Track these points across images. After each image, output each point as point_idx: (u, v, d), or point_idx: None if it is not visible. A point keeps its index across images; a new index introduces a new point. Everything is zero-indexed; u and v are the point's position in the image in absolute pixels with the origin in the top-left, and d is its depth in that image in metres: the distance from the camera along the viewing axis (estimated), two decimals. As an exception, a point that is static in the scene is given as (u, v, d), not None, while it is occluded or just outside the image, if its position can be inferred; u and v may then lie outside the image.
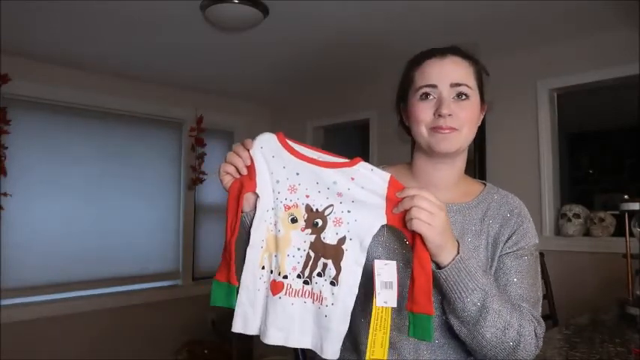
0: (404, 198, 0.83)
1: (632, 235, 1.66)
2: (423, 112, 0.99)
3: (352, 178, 0.87)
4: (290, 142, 0.90)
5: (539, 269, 1.02)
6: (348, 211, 0.86)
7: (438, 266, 0.85)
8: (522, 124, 2.78)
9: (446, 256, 0.84)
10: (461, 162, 1.05)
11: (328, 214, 0.87)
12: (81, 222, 3.15)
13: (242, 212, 0.90)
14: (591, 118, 4.75)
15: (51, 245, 3.01)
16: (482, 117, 1.06)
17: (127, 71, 3.22)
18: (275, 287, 0.86)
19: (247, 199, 0.89)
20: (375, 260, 0.85)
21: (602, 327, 1.44)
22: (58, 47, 2.75)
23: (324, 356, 0.84)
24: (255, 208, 0.89)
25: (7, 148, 2.78)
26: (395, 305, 0.82)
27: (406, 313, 0.84)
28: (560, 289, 2.32)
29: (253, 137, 0.91)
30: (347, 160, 0.88)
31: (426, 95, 0.98)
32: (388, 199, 0.85)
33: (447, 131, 0.97)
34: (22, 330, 2.82)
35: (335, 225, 0.86)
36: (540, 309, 0.98)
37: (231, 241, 0.87)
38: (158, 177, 3.57)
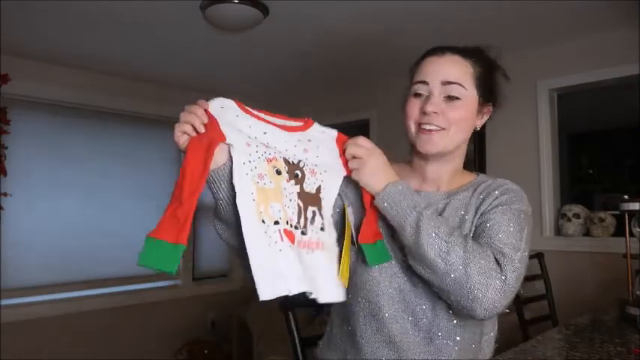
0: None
1: (632, 235, 1.66)
2: (411, 108, 1.01)
3: (309, 140, 0.94)
4: (247, 107, 0.89)
5: (527, 230, 0.97)
6: (316, 165, 0.94)
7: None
8: (522, 124, 2.78)
9: (380, 190, 0.93)
10: (457, 158, 1.06)
11: (303, 167, 0.92)
12: (81, 222, 3.15)
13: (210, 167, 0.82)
14: (591, 118, 4.75)
15: (51, 245, 3.01)
16: (484, 119, 1.06)
17: (127, 71, 3.22)
18: (290, 236, 0.86)
19: (221, 149, 0.83)
20: (346, 206, 0.98)
21: (602, 327, 1.44)
22: (58, 47, 2.75)
23: (320, 298, 0.87)
24: (230, 160, 0.84)
25: (7, 148, 2.78)
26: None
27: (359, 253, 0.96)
28: (560, 289, 2.32)
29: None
30: (300, 124, 0.95)
31: (418, 94, 0.99)
32: (340, 153, 0.97)
33: (433, 129, 0.98)
34: (22, 330, 2.82)
35: (311, 175, 0.92)
36: (519, 258, 0.90)
37: (192, 197, 0.79)
38: (158, 177, 3.57)
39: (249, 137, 0.86)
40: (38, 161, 2.99)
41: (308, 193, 0.90)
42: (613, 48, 2.47)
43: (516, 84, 2.81)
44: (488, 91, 1.03)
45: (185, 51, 2.83)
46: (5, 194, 2.75)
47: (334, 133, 0.98)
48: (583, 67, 2.58)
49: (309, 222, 0.90)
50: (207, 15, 2.22)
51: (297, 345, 1.30)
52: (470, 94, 0.99)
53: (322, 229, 0.92)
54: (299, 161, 0.91)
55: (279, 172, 0.87)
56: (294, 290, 0.82)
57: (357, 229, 0.96)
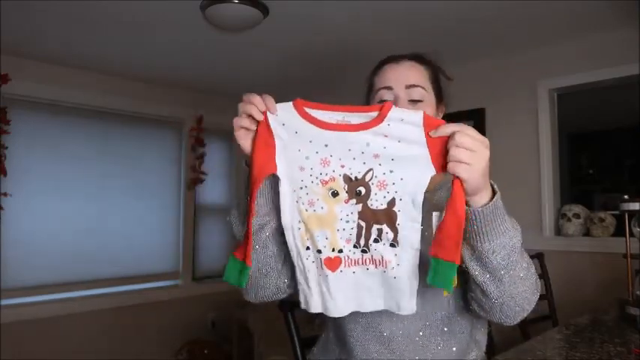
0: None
1: (632, 235, 1.66)
2: None
3: (385, 136, 0.81)
4: (309, 110, 0.83)
5: None
6: (391, 171, 0.81)
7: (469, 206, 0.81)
8: (522, 124, 2.78)
9: (481, 198, 0.80)
10: None
11: (370, 180, 0.81)
12: (81, 222, 3.15)
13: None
14: (591, 118, 4.75)
15: (51, 245, 3.01)
16: (440, 117, 1.09)
17: (127, 71, 3.22)
18: (332, 264, 0.84)
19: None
20: (433, 212, 0.81)
21: (602, 327, 1.44)
22: (58, 47, 2.75)
23: (402, 312, 0.85)
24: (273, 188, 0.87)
25: (7, 148, 2.78)
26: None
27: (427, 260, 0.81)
28: (560, 289, 2.33)
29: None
30: (375, 116, 0.81)
31: (384, 97, 1.02)
32: (429, 145, 0.79)
33: None
34: (22, 330, 2.82)
35: (380, 189, 0.81)
36: None
37: (249, 219, 0.84)
38: (158, 177, 3.57)
39: (307, 158, 0.83)
40: (38, 161, 2.99)
41: (374, 211, 0.82)
42: (613, 48, 2.47)
43: (516, 84, 2.84)
44: (440, 92, 1.08)
45: (185, 51, 2.83)
46: (5, 194, 2.75)
47: (418, 117, 0.80)
48: (583, 67, 2.58)
49: (371, 240, 0.83)
50: (207, 15, 2.22)
51: (297, 345, 1.30)
52: (429, 95, 1.03)
53: (394, 245, 0.82)
54: (366, 173, 0.81)
55: (335, 194, 0.82)
56: (339, 308, 0.86)
57: (428, 239, 0.84)
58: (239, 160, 3.98)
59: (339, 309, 0.86)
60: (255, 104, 0.83)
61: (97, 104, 3.22)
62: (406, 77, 1.01)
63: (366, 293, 0.86)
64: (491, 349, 1.46)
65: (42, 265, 2.96)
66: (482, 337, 1.07)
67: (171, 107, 3.61)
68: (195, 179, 3.66)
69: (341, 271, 0.85)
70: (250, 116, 0.83)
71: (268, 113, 0.83)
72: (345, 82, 3.49)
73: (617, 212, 2.12)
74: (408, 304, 0.84)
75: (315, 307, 0.87)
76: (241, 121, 0.84)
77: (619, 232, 2.39)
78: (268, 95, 0.84)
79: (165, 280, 3.58)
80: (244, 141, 0.85)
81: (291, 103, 0.84)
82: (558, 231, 2.66)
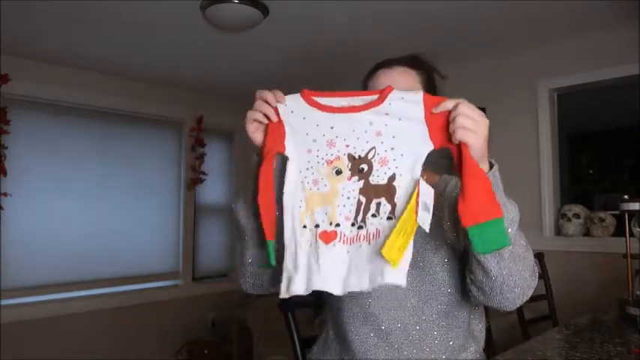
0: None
1: (632, 235, 1.66)
2: None
3: (387, 114, 0.86)
4: (317, 99, 0.89)
5: None
6: (392, 148, 0.85)
7: None
8: (522, 123, 2.78)
9: (484, 166, 0.82)
10: None
11: (372, 157, 0.86)
12: (81, 222, 3.15)
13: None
14: (591, 118, 4.75)
15: (51, 245, 3.01)
16: None
17: (127, 71, 3.22)
18: (327, 237, 0.85)
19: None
20: (420, 180, 0.82)
21: (602, 327, 1.44)
22: (58, 47, 2.75)
23: (386, 280, 0.79)
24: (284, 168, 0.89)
25: (7, 148, 2.78)
26: (427, 229, 0.79)
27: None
28: (560, 289, 2.32)
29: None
30: (376, 97, 0.87)
31: None
32: (428, 121, 0.84)
33: None
34: (22, 330, 2.82)
35: (382, 165, 0.85)
36: None
37: (259, 199, 0.87)
38: (158, 177, 3.57)
39: (314, 140, 0.88)
40: (38, 161, 2.99)
41: (375, 186, 0.85)
42: (613, 48, 2.47)
43: (516, 84, 2.84)
44: (434, 95, 1.08)
45: (185, 51, 2.83)
46: (5, 194, 2.75)
47: (419, 96, 0.85)
48: (583, 67, 2.58)
49: (369, 215, 0.85)
50: (207, 15, 2.22)
51: (297, 345, 1.30)
52: None
53: (390, 218, 0.84)
54: (369, 151, 0.86)
55: (339, 172, 0.87)
56: (327, 285, 0.83)
57: (453, 210, 0.85)
58: (239, 160, 3.98)
59: (323, 283, 0.83)
60: (269, 101, 0.89)
61: (97, 104, 3.22)
62: (398, 84, 1.01)
63: (353, 271, 0.84)
64: (492, 349, 1.46)
65: (42, 265, 2.97)
66: (479, 333, 1.08)
67: (171, 107, 3.61)
68: (195, 179, 3.66)
69: (334, 245, 0.85)
70: (264, 114, 0.89)
71: (278, 104, 0.90)
72: (345, 82, 3.48)
73: (617, 212, 2.12)
74: (393, 272, 0.79)
75: (297, 285, 0.84)
76: (255, 115, 0.89)
77: (619, 232, 2.40)
78: (278, 90, 0.90)
79: (165, 280, 3.58)
80: (256, 134, 0.90)
81: (298, 94, 0.90)
82: (558, 231, 2.66)
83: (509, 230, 0.84)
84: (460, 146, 0.80)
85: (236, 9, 2.17)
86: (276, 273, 0.96)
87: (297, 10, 2.24)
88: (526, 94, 2.77)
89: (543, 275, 2.18)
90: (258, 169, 0.88)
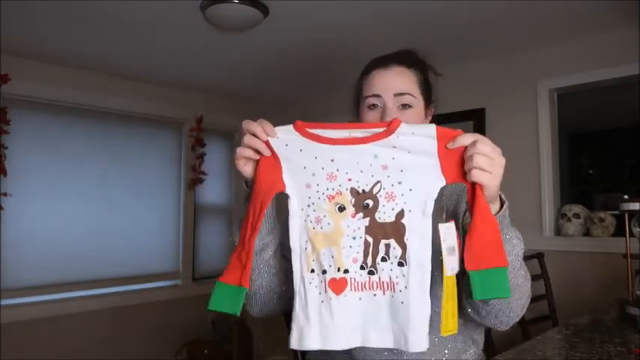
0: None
1: (632, 235, 1.66)
2: (369, 120, 1.04)
3: (394, 147, 0.79)
4: (312, 130, 0.82)
5: None
6: (399, 183, 0.79)
7: None
8: (522, 124, 2.78)
9: (493, 207, 0.80)
10: None
11: (377, 192, 0.79)
12: (81, 222, 3.15)
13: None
14: (591, 118, 4.75)
15: (51, 245, 3.01)
16: (429, 119, 1.10)
17: (127, 71, 3.22)
18: (337, 286, 0.79)
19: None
20: (440, 224, 0.78)
21: (602, 327, 1.44)
22: (58, 47, 2.75)
23: (411, 349, 0.76)
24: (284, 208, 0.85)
25: (7, 148, 2.78)
26: (457, 271, 0.77)
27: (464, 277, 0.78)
28: (560, 289, 2.33)
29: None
30: (382, 130, 0.80)
31: (373, 104, 1.03)
32: (441, 155, 0.78)
33: None
34: (22, 330, 2.82)
35: (388, 201, 0.79)
36: None
37: (250, 239, 0.81)
38: (158, 177, 3.57)
39: (313, 175, 0.82)
40: (38, 161, 2.99)
41: (382, 224, 0.79)
42: (613, 48, 2.47)
43: (516, 84, 2.84)
44: (429, 94, 1.09)
45: (185, 51, 2.83)
46: (5, 194, 2.75)
47: (431, 130, 0.79)
48: (583, 67, 2.58)
49: (378, 259, 0.79)
50: (207, 15, 2.22)
51: (297, 345, 1.30)
52: (418, 100, 1.04)
53: (402, 264, 0.78)
54: (374, 185, 0.80)
55: (342, 209, 0.80)
56: (340, 341, 0.78)
57: (457, 252, 0.81)
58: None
59: (340, 340, 0.78)
60: (257, 134, 0.82)
61: (97, 104, 3.22)
62: (394, 85, 1.02)
63: (372, 325, 0.79)
64: (492, 349, 1.46)
65: (42, 265, 2.96)
66: (479, 336, 1.08)
67: (171, 107, 3.60)
68: (195, 179, 3.66)
69: (345, 295, 0.79)
70: (255, 149, 0.84)
71: (269, 138, 0.83)
72: (345, 82, 3.48)
73: (617, 212, 2.12)
74: (417, 337, 0.75)
75: (311, 341, 0.79)
76: (244, 152, 0.84)
77: (619, 232, 2.39)
78: (265, 120, 0.84)
79: (165, 280, 3.58)
80: (246, 167, 0.85)
81: (291, 126, 0.83)
82: (558, 231, 2.66)
83: (513, 265, 0.84)
84: (474, 185, 0.76)
85: (236, 9, 2.17)
86: (284, 301, 0.96)
87: (297, 10, 2.24)
88: (526, 94, 2.77)
89: (543, 275, 2.18)
90: (247, 202, 0.84)
